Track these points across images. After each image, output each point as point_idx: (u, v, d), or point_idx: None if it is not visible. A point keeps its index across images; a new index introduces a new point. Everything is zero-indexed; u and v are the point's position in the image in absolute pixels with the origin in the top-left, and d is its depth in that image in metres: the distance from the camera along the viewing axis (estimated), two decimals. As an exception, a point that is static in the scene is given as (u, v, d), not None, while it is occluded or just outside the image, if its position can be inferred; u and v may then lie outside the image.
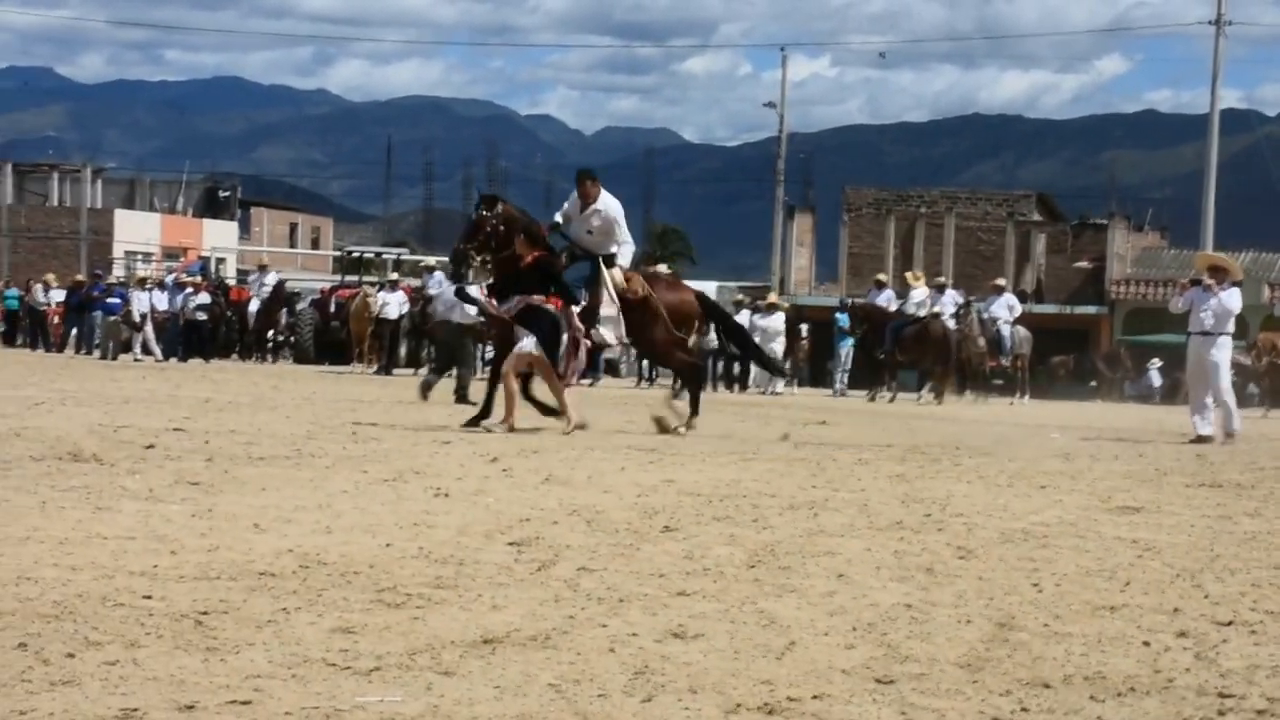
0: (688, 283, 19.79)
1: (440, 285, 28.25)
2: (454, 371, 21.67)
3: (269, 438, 11.99)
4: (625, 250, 15.53)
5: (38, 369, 26.07)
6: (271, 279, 40.59)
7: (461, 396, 20.30)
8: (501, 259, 14.73)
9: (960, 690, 4.47)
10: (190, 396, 18.73)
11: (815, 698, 4.32)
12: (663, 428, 15.12)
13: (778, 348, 33.73)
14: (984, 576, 6.50)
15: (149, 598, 5.24)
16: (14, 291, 45.76)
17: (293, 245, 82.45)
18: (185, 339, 37.54)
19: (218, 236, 66.96)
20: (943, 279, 36.22)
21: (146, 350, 36.58)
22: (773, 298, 38.44)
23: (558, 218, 15.54)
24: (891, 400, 30.12)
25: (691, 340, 16.14)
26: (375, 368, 34.09)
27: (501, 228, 14.79)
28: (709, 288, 46.38)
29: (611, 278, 15.18)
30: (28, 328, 43.10)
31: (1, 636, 4.55)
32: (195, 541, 6.49)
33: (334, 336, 37.80)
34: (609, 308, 15.03)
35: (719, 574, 6.36)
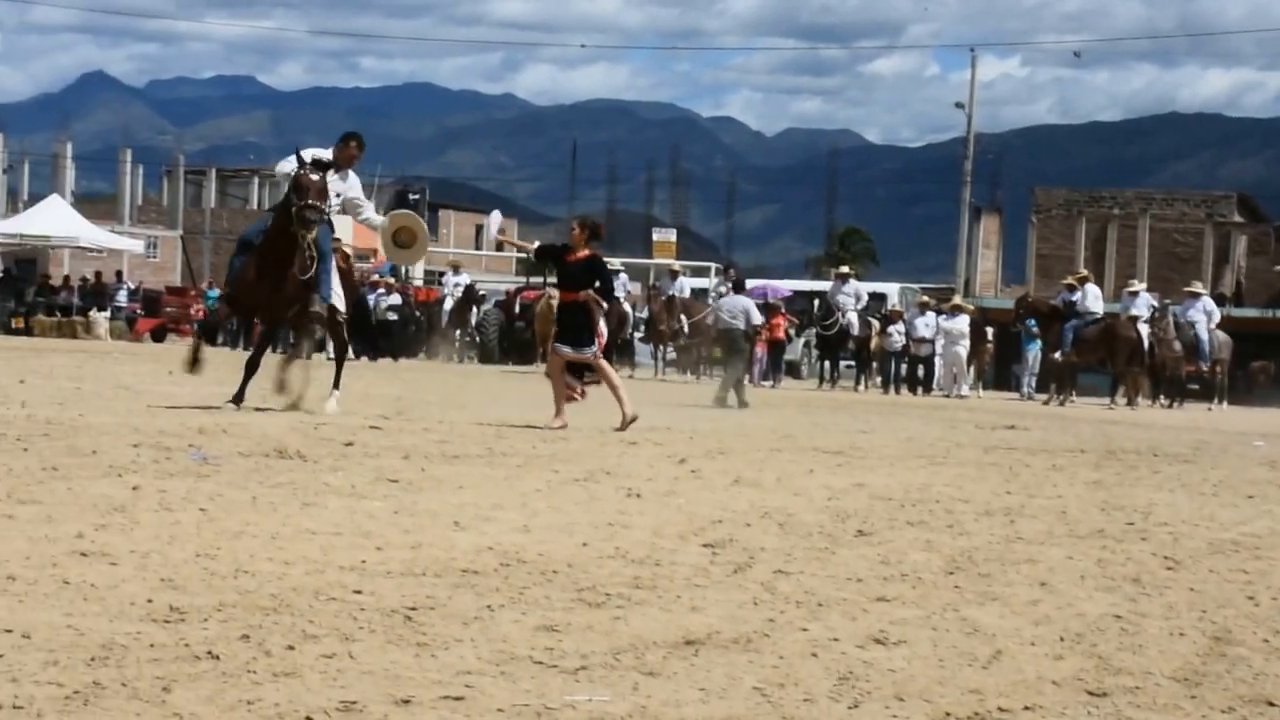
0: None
1: (709, 291, 28.84)
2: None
3: (461, 436, 12.14)
4: (371, 210, 14.99)
5: (238, 367, 26.68)
6: (463, 279, 41.08)
7: (731, 399, 21.18)
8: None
9: (1178, 705, 4.38)
10: (382, 395, 19.06)
11: (1027, 709, 4.26)
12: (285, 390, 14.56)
13: (962, 350, 33.41)
14: (1195, 588, 6.37)
15: (359, 592, 5.34)
16: (214, 292, 46.88)
17: (478, 247, 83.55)
18: (376, 339, 38.19)
19: (407, 238, 67.83)
20: (1137, 282, 35.50)
21: (339, 349, 37.28)
22: (957, 299, 38.04)
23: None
24: (1062, 403, 29.55)
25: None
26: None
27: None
28: (891, 289, 46.13)
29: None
30: (230, 326, 44.04)
31: (226, 628, 4.68)
32: (399, 538, 6.59)
33: (519, 337, 38.15)
34: (336, 275, 14.33)
35: (917, 580, 6.31)
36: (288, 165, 13.75)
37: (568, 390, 14.34)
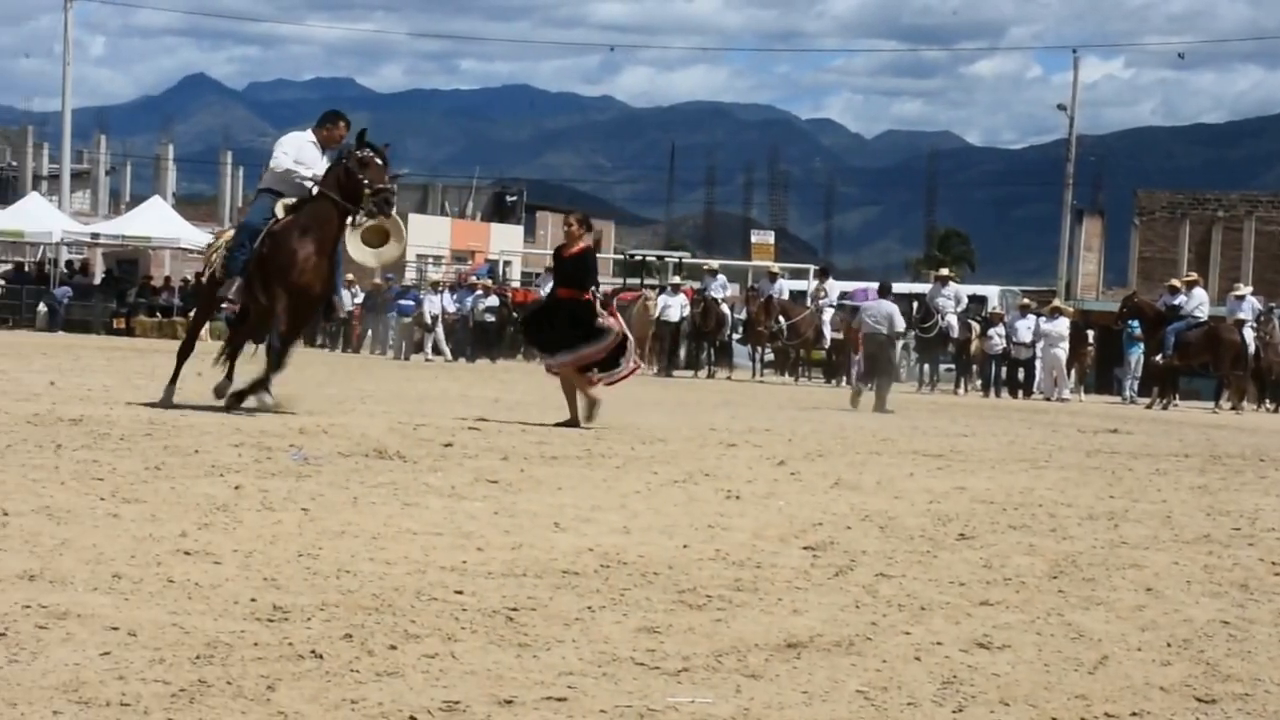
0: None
1: (863, 298, 29.27)
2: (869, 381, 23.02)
3: (559, 437, 12.17)
4: None
5: (338, 368, 26.94)
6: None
7: (880, 405, 21.32)
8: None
9: (1290, 713, 4.31)
10: (480, 396, 19.14)
11: (1134, 715, 4.21)
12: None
13: (1061, 353, 33.15)
14: (1304, 594, 6.26)
15: (460, 593, 5.36)
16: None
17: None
18: (474, 340, 38.38)
19: (504, 240, 68.38)
20: (1243, 286, 34.99)
21: (437, 350, 37.50)
22: (1057, 302, 37.74)
23: (307, 172, 13.16)
24: (1165, 407, 29.20)
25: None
26: (656, 369, 34.38)
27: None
28: (992, 292, 45.77)
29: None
30: (329, 328, 44.37)
31: (328, 627, 4.71)
32: (499, 539, 6.62)
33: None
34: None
35: (1020, 584, 6.26)
36: (286, 158, 13.17)
37: (588, 380, 13.71)
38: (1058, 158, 57.83)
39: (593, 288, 13.97)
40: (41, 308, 42.39)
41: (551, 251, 16.44)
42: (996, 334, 34.12)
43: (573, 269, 14.00)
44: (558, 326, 13.78)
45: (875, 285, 27.12)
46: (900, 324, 23.35)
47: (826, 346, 35.91)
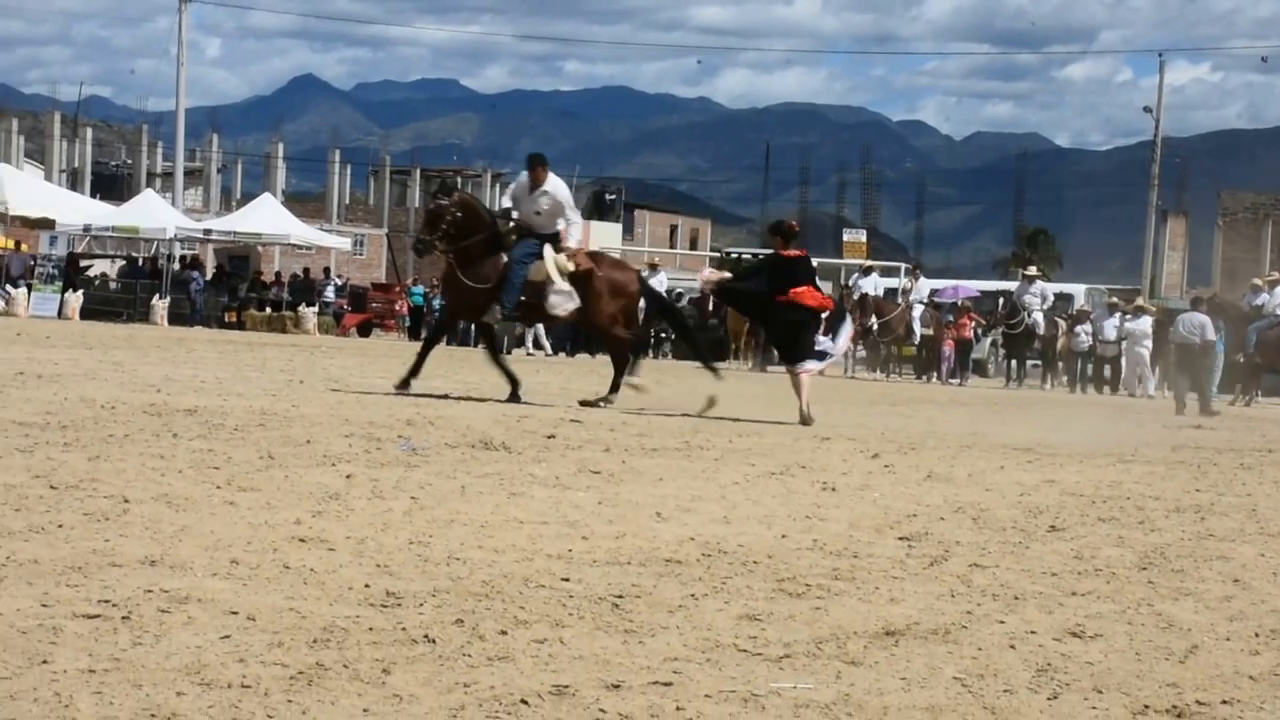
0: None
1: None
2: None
3: (658, 430, 12.31)
4: (573, 229, 15.77)
5: (442, 362, 27.14)
6: (661, 279, 41.25)
7: (1205, 408, 22.72)
8: (462, 248, 15.34)
9: (1377, 700, 4.38)
10: (580, 389, 19.27)
11: (1224, 703, 4.29)
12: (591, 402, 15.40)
13: (1144, 351, 33.07)
14: (1391, 586, 6.31)
15: (567, 580, 5.50)
16: (419, 288, 47.65)
17: (673, 246, 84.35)
18: (573, 334, 38.54)
19: (603, 238, 68.69)
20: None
21: (538, 345, 37.73)
22: (1140, 301, 37.60)
23: (506, 201, 16.05)
24: (1247, 404, 28.98)
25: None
26: (751, 364, 34.46)
27: (459, 215, 15.28)
28: (1078, 290, 45.49)
29: (555, 255, 15.39)
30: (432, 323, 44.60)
31: (440, 613, 4.84)
32: (603, 528, 6.76)
33: (713, 334, 38.19)
34: (559, 282, 15.29)
35: (1111, 575, 6.34)
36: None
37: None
38: (1144, 159, 57.45)
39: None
40: (157, 301, 42.68)
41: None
42: (1083, 331, 34.07)
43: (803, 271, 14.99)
44: (793, 331, 14.85)
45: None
46: (1212, 334, 24.02)
47: (916, 343, 35.90)
